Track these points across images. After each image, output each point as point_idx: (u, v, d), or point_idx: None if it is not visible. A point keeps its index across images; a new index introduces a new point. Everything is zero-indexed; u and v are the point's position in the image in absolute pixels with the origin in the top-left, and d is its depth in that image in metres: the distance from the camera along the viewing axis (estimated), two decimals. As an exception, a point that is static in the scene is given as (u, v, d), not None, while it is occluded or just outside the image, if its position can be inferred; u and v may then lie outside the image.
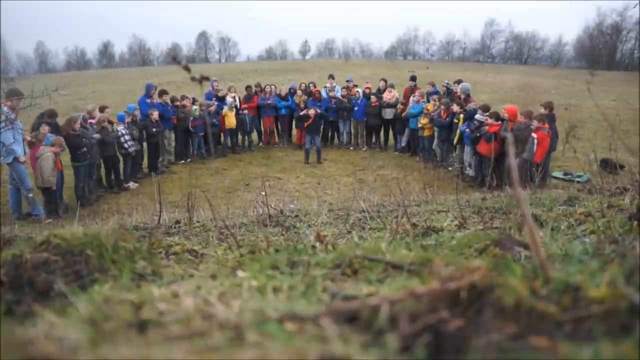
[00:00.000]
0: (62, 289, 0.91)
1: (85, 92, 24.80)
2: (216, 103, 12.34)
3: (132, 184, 10.23)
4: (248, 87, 13.61)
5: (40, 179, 7.93)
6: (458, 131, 10.27)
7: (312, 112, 11.92)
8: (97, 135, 9.24)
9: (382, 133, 13.42)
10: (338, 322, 0.65)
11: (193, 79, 1.17)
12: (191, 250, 1.33)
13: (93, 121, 9.54)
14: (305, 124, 11.97)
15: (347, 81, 14.43)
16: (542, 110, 9.01)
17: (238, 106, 12.92)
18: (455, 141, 10.59)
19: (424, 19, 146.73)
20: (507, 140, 0.88)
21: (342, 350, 0.56)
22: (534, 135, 8.31)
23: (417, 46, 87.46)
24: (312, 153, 12.20)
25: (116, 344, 0.58)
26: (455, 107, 10.38)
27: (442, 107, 10.65)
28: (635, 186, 2.94)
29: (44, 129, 8.31)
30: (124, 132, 9.91)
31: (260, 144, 14.00)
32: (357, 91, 13.24)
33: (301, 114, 12.30)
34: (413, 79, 13.49)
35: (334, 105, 13.08)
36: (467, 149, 10.13)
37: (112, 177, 10.02)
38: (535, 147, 8.27)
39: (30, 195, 8.07)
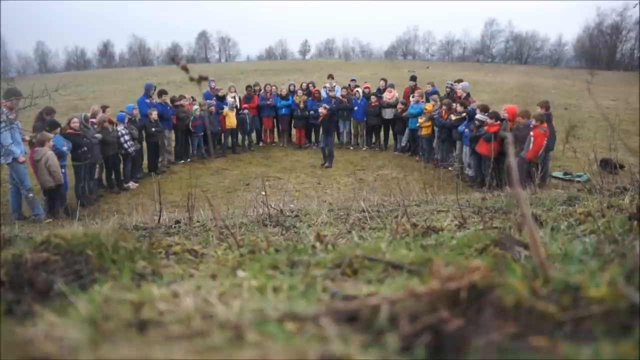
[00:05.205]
0: (62, 289, 0.91)
1: (85, 92, 24.79)
2: (216, 103, 12.35)
3: (132, 184, 10.23)
4: (248, 87, 13.61)
5: (49, 180, 7.89)
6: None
7: (322, 110, 11.87)
8: (99, 135, 9.24)
9: (382, 133, 13.42)
10: (338, 322, 0.65)
11: (192, 79, 1.17)
12: (191, 250, 1.33)
13: (94, 120, 9.55)
14: (320, 119, 11.88)
15: (351, 80, 14.41)
16: (539, 110, 9.04)
17: (238, 106, 12.93)
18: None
19: (424, 19, 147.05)
20: (506, 140, 0.88)
21: (342, 350, 0.56)
22: (532, 133, 8.36)
23: (417, 46, 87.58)
24: (319, 155, 12.16)
25: (116, 344, 0.58)
26: (459, 108, 10.37)
27: (444, 107, 10.66)
28: (635, 186, 2.94)
29: (56, 131, 8.34)
30: (123, 132, 9.91)
31: (260, 143, 13.99)
32: (357, 91, 13.24)
33: (314, 112, 12.25)
34: (413, 79, 13.49)
35: (334, 105, 13.09)
36: (466, 149, 10.13)
37: (113, 177, 10.03)
38: (531, 144, 8.34)
39: (30, 195, 8.07)
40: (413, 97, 12.10)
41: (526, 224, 0.80)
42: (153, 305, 0.71)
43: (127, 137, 9.94)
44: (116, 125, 9.95)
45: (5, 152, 7.56)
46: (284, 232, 2.46)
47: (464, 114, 10.12)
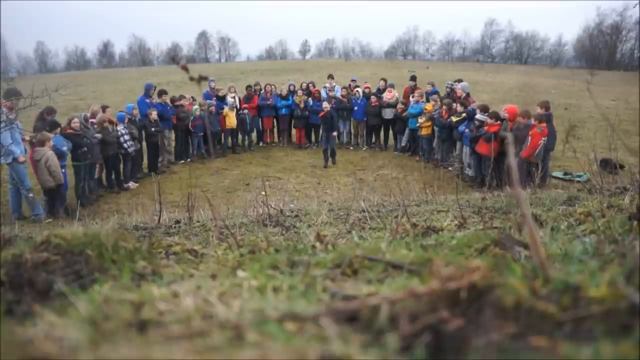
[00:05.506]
0: (62, 289, 0.91)
1: (85, 92, 24.77)
2: (216, 103, 12.35)
3: (132, 184, 10.23)
4: (248, 87, 13.62)
5: (49, 180, 7.88)
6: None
7: (325, 105, 11.84)
8: (99, 135, 9.24)
9: (382, 133, 13.41)
10: (338, 322, 0.65)
11: (192, 78, 1.17)
12: (191, 250, 1.33)
13: (94, 120, 9.55)
14: (320, 115, 11.86)
15: (351, 80, 14.42)
16: (539, 110, 9.05)
17: (238, 106, 12.94)
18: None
19: (424, 19, 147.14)
20: (506, 140, 0.88)
21: (342, 350, 0.56)
22: (530, 132, 8.40)
23: (417, 46, 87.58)
24: (319, 155, 12.15)
25: (116, 344, 0.58)
26: (459, 108, 10.38)
27: (444, 107, 10.66)
28: (635, 186, 2.94)
29: (56, 131, 8.35)
30: (123, 132, 9.91)
31: (261, 143, 13.99)
32: (357, 91, 13.24)
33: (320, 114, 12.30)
34: (413, 79, 13.50)
35: (334, 105, 13.09)
36: (466, 149, 10.13)
37: (113, 177, 10.03)
38: (528, 144, 8.39)
39: (30, 195, 8.07)
40: (413, 97, 12.10)
41: (526, 224, 0.80)
42: (153, 305, 0.71)
43: (127, 137, 9.94)
44: (116, 125, 9.94)
45: (5, 152, 7.56)
46: (284, 232, 2.46)
47: (464, 115, 10.12)
